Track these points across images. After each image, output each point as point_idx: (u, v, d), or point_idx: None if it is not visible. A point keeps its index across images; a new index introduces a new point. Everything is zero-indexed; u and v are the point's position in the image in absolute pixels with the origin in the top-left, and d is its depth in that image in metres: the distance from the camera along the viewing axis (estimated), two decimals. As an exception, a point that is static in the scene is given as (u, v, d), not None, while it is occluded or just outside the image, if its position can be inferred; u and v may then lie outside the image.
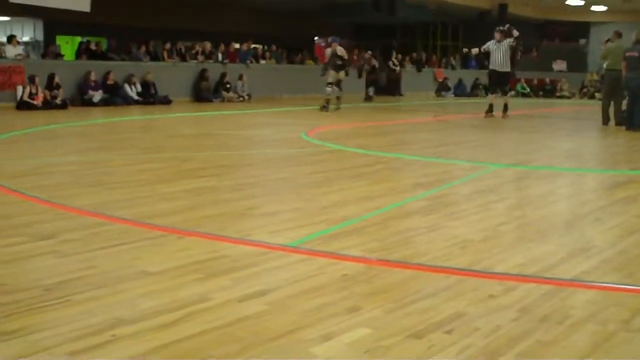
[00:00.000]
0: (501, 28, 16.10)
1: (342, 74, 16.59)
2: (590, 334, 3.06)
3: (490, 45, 15.99)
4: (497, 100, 16.08)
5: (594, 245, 4.65)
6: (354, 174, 7.42)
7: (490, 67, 16.20)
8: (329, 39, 17.16)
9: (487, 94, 27.26)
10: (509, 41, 15.79)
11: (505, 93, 16.51)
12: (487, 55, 16.32)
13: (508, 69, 16.07)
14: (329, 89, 16.52)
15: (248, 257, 4.07)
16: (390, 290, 3.52)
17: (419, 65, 27.44)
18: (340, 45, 17.02)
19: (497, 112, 15.76)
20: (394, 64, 25.85)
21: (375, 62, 23.99)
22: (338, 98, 16.75)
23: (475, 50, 16.76)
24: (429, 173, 7.66)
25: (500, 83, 16.29)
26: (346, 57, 17.02)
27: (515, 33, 15.82)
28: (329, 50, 16.84)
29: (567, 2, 28.30)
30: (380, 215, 5.32)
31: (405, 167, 8.14)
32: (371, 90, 22.90)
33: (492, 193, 6.57)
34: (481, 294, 3.51)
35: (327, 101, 16.54)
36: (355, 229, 4.83)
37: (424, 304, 3.34)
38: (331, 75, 16.46)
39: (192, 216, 5.13)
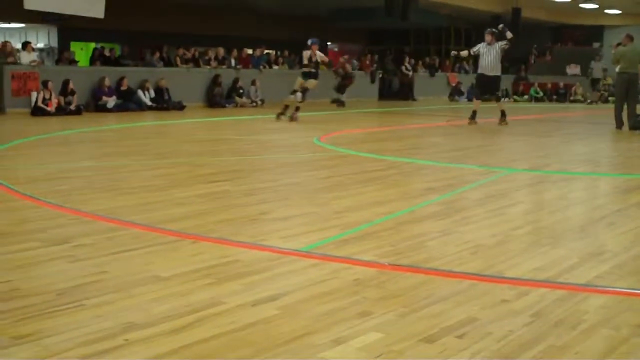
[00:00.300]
0: (492, 29, 15.00)
1: (310, 82, 14.80)
2: (604, 339, 3.05)
3: (480, 47, 14.97)
4: (494, 106, 15.74)
5: (608, 249, 4.63)
6: (366, 178, 7.41)
7: (479, 70, 15.21)
8: (309, 41, 14.85)
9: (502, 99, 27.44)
10: (501, 44, 14.79)
11: (498, 99, 15.71)
12: (476, 58, 15.51)
13: (499, 73, 15.10)
14: (291, 96, 14.78)
15: (260, 262, 4.07)
16: (402, 295, 3.52)
17: (431, 70, 27.41)
18: (347, 50, 16.56)
19: (482, 119, 15.22)
20: (406, 69, 25.85)
21: (349, 67, 22.62)
22: (297, 108, 14.69)
23: (464, 53, 15.73)
24: (442, 178, 7.65)
25: (490, 88, 15.35)
26: (326, 61, 15.87)
27: (509, 35, 14.82)
28: (307, 53, 14.81)
29: (580, 5, 28.18)
30: (392, 220, 5.31)
31: (417, 172, 8.14)
32: (342, 95, 21.35)
33: (504, 197, 6.56)
34: (493, 299, 3.50)
35: (286, 107, 14.87)
36: (367, 233, 4.83)
37: (436, 308, 3.33)
38: (298, 82, 14.81)
39: (205, 221, 5.15)
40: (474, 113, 15.03)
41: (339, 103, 20.89)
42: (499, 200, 6.40)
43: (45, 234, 4.63)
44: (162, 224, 4.97)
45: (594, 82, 27.49)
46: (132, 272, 3.82)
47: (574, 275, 3.99)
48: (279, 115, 14.66)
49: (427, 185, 7.10)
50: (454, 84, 27.34)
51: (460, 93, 26.88)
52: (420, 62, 27.37)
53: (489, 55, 14.71)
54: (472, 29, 30.13)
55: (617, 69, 14.58)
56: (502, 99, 15.58)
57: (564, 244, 4.78)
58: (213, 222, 5.10)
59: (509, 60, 30.46)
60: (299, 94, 14.56)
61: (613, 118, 14.56)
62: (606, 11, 29.96)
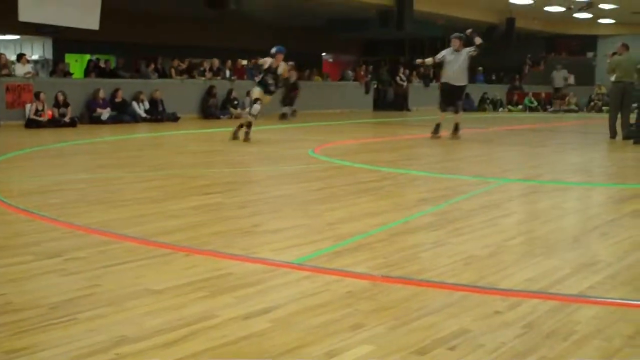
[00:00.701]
0: (460, 34, 13.59)
1: (266, 97, 12.56)
2: (596, 350, 3.06)
3: (446, 54, 13.52)
4: (478, 116, 15.55)
5: (601, 260, 4.64)
6: (359, 190, 7.43)
7: (443, 79, 13.79)
8: (273, 49, 12.42)
9: (497, 108, 27.56)
10: (468, 50, 13.38)
11: (457, 110, 13.82)
12: (440, 65, 13.94)
13: (465, 83, 13.76)
14: (257, 106, 12.37)
15: (253, 275, 4.08)
16: (394, 307, 3.52)
17: (426, 81, 27.48)
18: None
19: (471, 129, 15.07)
20: (401, 79, 25.91)
21: (294, 77, 20.39)
22: (249, 125, 12.44)
23: (429, 60, 13.99)
24: (435, 188, 7.67)
25: (454, 98, 13.67)
26: (286, 76, 13.58)
27: (478, 40, 13.35)
28: (268, 61, 12.38)
29: (574, 15, 28.30)
30: (385, 231, 5.32)
31: (411, 183, 8.15)
32: (288, 109, 19.85)
33: (498, 208, 6.57)
34: (486, 310, 3.51)
35: (249, 124, 12.48)
36: (360, 245, 4.84)
37: (428, 320, 3.34)
38: (256, 91, 12.56)
39: (198, 233, 5.15)
40: (438, 126, 13.72)
41: (283, 116, 19.50)
42: (493, 210, 6.41)
43: (38, 248, 4.63)
44: (155, 237, 4.97)
45: (556, 91, 27.84)
46: (125, 285, 3.82)
47: (566, 286, 4.00)
48: (235, 134, 12.58)
49: (420, 196, 7.12)
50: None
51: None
52: (414, 73, 27.44)
53: (455, 62, 13.37)
54: (467, 39, 30.19)
55: (612, 79, 14.61)
56: (460, 112, 13.92)
57: (556, 255, 4.79)
58: (206, 235, 5.11)
59: (503, 70, 30.65)
60: (256, 106, 12.31)
61: (606, 128, 14.60)
62: (600, 21, 30.09)
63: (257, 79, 12.63)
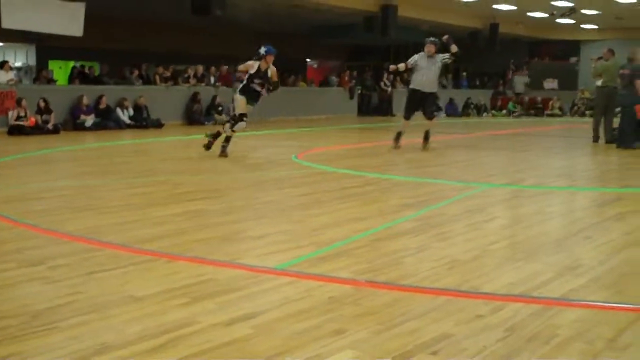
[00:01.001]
0: (435, 39, 12.60)
1: (251, 106, 10.85)
2: (577, 353, 3.08)
3: (419, 59, 12.37)
4: (459, 121, 15.56)
5: (583, 263, 4.67)
6: (343, 195, 7.43)
7: (414, 85, 12.48)
8: (262, 49, 10.71)
9: (481, 114, 27.65)
10: (442, 57, 12.40)
11: (431, 117, 12.74)
12: (409, 71, 12.65)
13: (435, 89, 12.68)
14: (242, 124, 10.73)
15: (235, 281, 4.07)
16: (377, 312, 3.53)
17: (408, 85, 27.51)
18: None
19: (450, 135, 15.07)
20: (385, 85, 25.95)
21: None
22: (227, 139, 10.83)
23: (401, 66, 12.54)
24: (419, 194, 7.68)
25: (425, 106, 12.51)
26: (277, 80, 11.15)
27: (454, 48, 12.43)
28: (254, 64, 10.62)
29: (557, 21, 28.46)
30: (368, 236, 5.32)
31: (394, 188, 8.15)
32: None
33: (481, 213, 6.59)
34: (468, 315, 3.52)
35: (227, 139, 10.85)
36: (343, 251, 4.84)
37: (411, 325, 3.35)
38: (241, 105, 10.73)
39: (181, 240, 5.14)
40: (399, 135, 12.62)
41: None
42: (476, 215, 6.43)
43: (21, 255, 4.61)
44: (138, 244, 4.95)
45: (517, 96, 28.08)
46: (107, 292, 3.81)
47: (548, 290, 4.02)
48: (209, 145, 11.01)
49: (404, 202, 7.12)
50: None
51: (439, 108, 26.97)
52: (398, 78, 27.48)
53: (428, 69, 12.27)
54: (443, 45, 30.29)
55: (598, 83, 14.68)
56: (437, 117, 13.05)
57: (539, 258, 4.81)
58: (189, 241, 5.10)
59: (487, 75, 30.78)
60: (242, 124, 10.67)
61: (589, 132, 14.68)
62: (583, 26, 30.29)
63: (240, 85, 10.91)
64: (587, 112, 25.37)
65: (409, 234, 5.50)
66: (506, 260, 4.76)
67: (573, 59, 32.19)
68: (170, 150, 13.21)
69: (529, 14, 27.04)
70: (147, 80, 19.84)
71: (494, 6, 25.17)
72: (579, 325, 3.41)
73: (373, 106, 25.79)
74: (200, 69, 20.82)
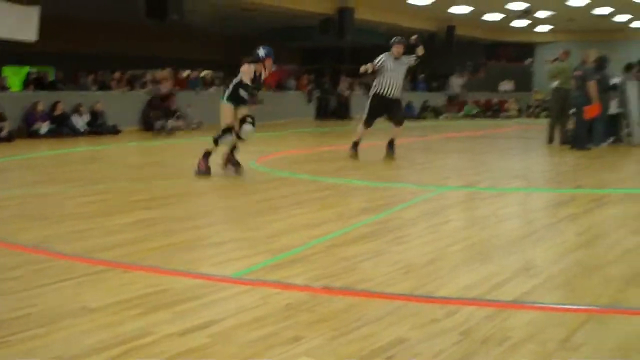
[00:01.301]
0: (403, 39, 11.59)
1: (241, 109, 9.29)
2: (530, 354, 3.12)
3: (386, 61, 11.27)
4: (425, 124, 15.60)
5: (536, 265, 4.74)
6: (300, 200, 7.44)
7: (380, 90, 11.38)
8: (262, 51, 9.41)
9: (438, 116, 27.86)
10: (409, 59, 11.44)
11: (400, 123, 11.68)
12: (374, 73, 11.46)
13: (400, 95, 11.60)
14: (229, 138, 9.28)
15: (191, 290, 4.05)
16: (333, 318, 3.54)
17: (368, 89, 27.62)
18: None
19: (416, 137, 15.15)
20: (343, 88, 26.02)
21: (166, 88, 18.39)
22: (209, 153, 9.36)
23: (369, 67, 11.25)
24: (376, 197, 7.72)
25: (392, 112, 11.50)
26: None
27: (421, 51, 11.50)
28: (251, 68, 9.11)
29: (512, 24, 28.82)
30: (325, 242, 5.33)
31: (352, 192, 8.18)
32: (161, 124, 17.95)
33: (438, 215, 6.65)
34: (423, 319, 3.54)
35: (209, 153, 9.39)
36: (300, 257, 4.84)
37: (366, 330, 3.36)
38: (227, 115, 9.21)
39: (137, 249, 5.10)
40: (357, 144, 11.62)
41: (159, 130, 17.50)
42: (432, 218, 6.49)
43: (-29, 268, 4.54)
44: (93, 253, 4.91)
45: (451, 98, 28.35)
46: (61, 304, 3.77)
47: (502, 292, 4.06)
48: (226, 164, 9.57)
49: (361, 206, 7.15)
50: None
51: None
52: (356, 81, 27.59)
53: (397, 72, 11.29)
54: (410, 46, 30.50)
55: (553, 85, 14.85)
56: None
57: (495, 260, 4.86)
58: (145, 250, 5.06)
59: (444, 77, 31.02)
60: (228, 138, 9.27)
61: (544, 133, 14.87)
62: (538, 28, 30.71)
63: (226, 91, 9.38)
64: (541, 113, 25.66)
65: (365, 239, 5.52)
66: (461, 263, 4.80)
67: (528, 61, 32.62)
68: (126, 156, 13.10)
69: (484, 17, 27.36)
70: (103, 86, 19.65)
71: (450, 10, 25.42)
72: (531, 327, 3.46)
73: (331, 110, 25.84)
74: (158, 74, 20.68)
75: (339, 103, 26.03)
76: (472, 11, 25.85)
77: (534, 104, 28.13)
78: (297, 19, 23.62)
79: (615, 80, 14.58)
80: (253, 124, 9.27)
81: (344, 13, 22.98)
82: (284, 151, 13.26)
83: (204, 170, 9.19)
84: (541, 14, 26.74)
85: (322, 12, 22.95)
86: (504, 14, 26.54)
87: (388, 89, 11.29)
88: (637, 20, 29.60)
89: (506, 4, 24.58)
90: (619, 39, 30.89)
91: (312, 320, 3.51)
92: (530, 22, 29.01)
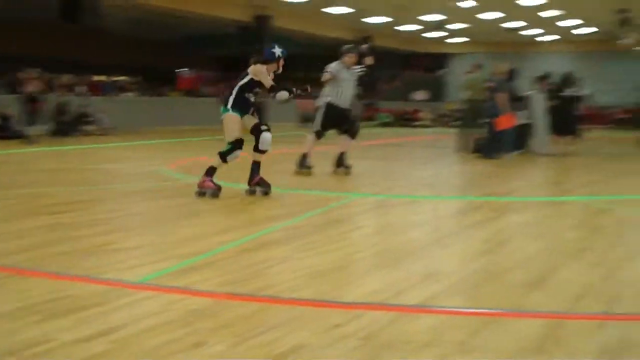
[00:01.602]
0: (356, 48, 11.21)
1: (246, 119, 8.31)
2: (430, 357, 3.17)
3: (340, 70, 10.75)
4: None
5: (441, 270, 4.82)
6: (210, 207, 7.39)
7: (332, 100, 10.74)
8: (278, 50, 8.33)
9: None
10: (357, 69, 10.94)
11: (355, 135, 11.11)
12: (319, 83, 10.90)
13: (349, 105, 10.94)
14: (238, 153, 8.19)
15: (94, 296, 3.98)
16: (236, 324, 3.53)
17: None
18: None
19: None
20: (257, 95, 25.98)
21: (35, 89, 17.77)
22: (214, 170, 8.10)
23: (327, 76, 10.78)
24: (287, 204, 7.74)
25: (346, 124, 10.95)
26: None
27: (370, 61, 11.10)
28: (263, 69, 8.16)
29: (427, 35, 29.37)
30: (233, 248, 5.31)
31: (263, 199, 8.13)
32: (30, 130, 16.98)
33: (347, 222, 6.72)
34: (326, 324, 3.56)
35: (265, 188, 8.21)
36: (206, 263, 4.81)
37: (268, 336, 3.36)
38: (236, 127, 8.15)
39: (39, 254, 4.98)
40: (306, 158, 10.85)
41: (25, 138, 16.65)
42: (342, 225, 6.55)
43: None
44: (-7, 260, 4.78)
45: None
46: (-44, 311, 3.65)
47: (407, 297, 4.12)
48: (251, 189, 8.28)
49: (272, 212, 7.16)
50: (305, 110, 27.58)
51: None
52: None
53: (350, 82, 10.84)
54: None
55: (465, 96, 15.24)
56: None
57: (401, 267, 4.92)
58: (49, 255, 4.95)
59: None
60: (237, 153, 8.14)
61: (456, 142, 15.20)
62: (452, 40, 31.41)
63: (229, 98, 8.13)
64: (453, 123, 26.21)
65: (273, 245, 5.53)
66: (368, 269, 4.86)
67: (442, 71, 33.29)
68: (35, 161, 12.79)
69: (400, 27, 27.80)
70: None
71: (365, 20, 25.74)
72: (433, 331, 3.52)
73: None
74: (70, 78, 20.30)
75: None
76: (388, 22, 26.25)
77: (446, 114, 28.70)
78: (216, 26, 23.56)
79: (524, 91, 15.07)
80: (269, 130, 8.29)
81: (261, 21, 23.02)
82: (197, 157, 13.15)
83: (215, 189, 7.86)
84: (455, 26, 27.36)
85: (239, 19, 22.96)
86: (420, 25, 27.04)
87: (343, 99, 10.75)
88: (547, 34, 30.63)
89: (420, 15, 25.05)
90: (529, 52, 31.90)
91: (215, 326, 3.49)
92: (445, 34, 29.65)
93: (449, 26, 27.44)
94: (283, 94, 8.23)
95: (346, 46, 11.15)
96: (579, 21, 27.23)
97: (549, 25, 27.95)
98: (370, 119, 28.95)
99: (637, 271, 5.06)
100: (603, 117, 24.25)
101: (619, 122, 20.94)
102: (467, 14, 24.95)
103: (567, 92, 15.23)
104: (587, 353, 3.26)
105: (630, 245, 6.01)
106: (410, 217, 7.33)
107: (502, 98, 13.59)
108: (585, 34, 29.76)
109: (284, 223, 6.42)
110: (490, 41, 31.39)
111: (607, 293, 4.34)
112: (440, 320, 3.76)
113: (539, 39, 31.70)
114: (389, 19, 26.41)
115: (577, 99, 15.47)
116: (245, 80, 8.08)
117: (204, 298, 3.98)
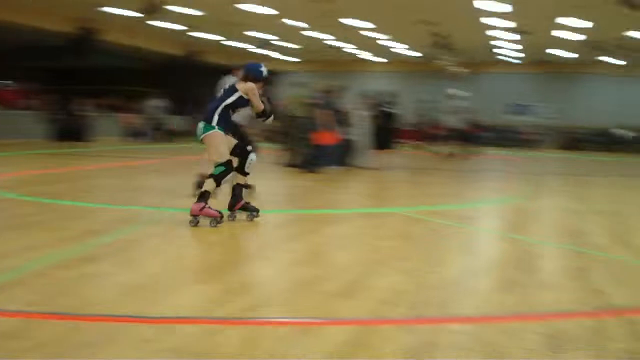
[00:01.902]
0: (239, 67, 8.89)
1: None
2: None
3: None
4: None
5: (258, 282, 4.95)
6: (22, 223, 7.10)
7: (239, 119, 9.26)
8: (264, 69, 7.76)
9: (173, 139, 27.58)
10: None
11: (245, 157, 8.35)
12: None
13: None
14: (255, 157, 7.91)
15: None
16: (48, 344, 3.48)
17: (108, 111, 27.11)
18: None
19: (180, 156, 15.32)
20: (82, 109, 25.26)
21: None
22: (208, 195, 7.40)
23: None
24: (107, 219, 7.58)
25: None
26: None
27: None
28: (253, 88, 7.57)
29: (256, 52, 29.73)
30: (45, 265, 5.18)
31: (82, 215, 7.91)
32: None
33: (164, 237, 6.66)
34: (137, 339, 3.58)
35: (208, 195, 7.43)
36: (15, 281, 4.69)
37: (84, 352, 3.36)
38: (222, 148, 7.43)
39: None
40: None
41: None
42: (160, 240, 6.53)
43: None
44: None
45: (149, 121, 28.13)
46: None
47: (222, 309, 4.19)
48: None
49: (90, 228, 6.96)
50: (129, 125, 27.05)
51: (143, 134, 26.53)
52: (97, 102, 26.95)
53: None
54: (157, 70, 30.28)
55: (287, 112, 15.59)
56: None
57: (218, 279, 4.98)
58: None
59: (187, 101, 31.18)
60: (228, 176, 7.50)
61: (280, 157, 15.49)
62: (283, 57, 32.07)
63: (214, 117, 7.39)
64: (276, 137, 26.50)
65: (87, 261, 5.41)
66: (185, 283, 4.90)
67: (271, 88, 33.70)
68: None
69: (227, 42, 27.99)
70: None
71: (192, 33, 25.72)
72: (245, 342, 3.62)
73: (68, 131, 24.88)
74: None
75: (76, 124, 25.14)
76: (215, 39, 26.41)
77: (272, 129, 28.96)
78: (42, 37, 22.85)
79: (348, 108, 15.68)
80: (255, 151, 7.86)
81: (86, 34, 22.63)
82: (14, 172, 12.66)
83: (218, 218, 7.28)
84: (283, 44, 27.93)
85: (64, 31, 22.38)
86: (248, 42, 27.34)
87: (245, 118, 9.70)
88: (375, 56, 31.84)
89: (245, 31, 25.35)
90: (356, 70, 33.12)
91: (28, 347, 3.43)
92: (275, 52, 30.18)
93: (279, 43, 27.93)
94: (270, 119, 7.87)
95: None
96: (405, 46, 28.50)
97: (376, 48, 29.13)
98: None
99: (445, 276, 5.39)
100: (418, 133, 25.36)
101: (433, 137, 22.08)
102: (293, 33, 25.47)
103: (384, 108, 16.03)
104: (393, 356, 3.47)
105: (440, 253, 6.38)
106: (230, 230, 7.34)
107: (322, 114, 14.03)
108: (410, 56, 31.18)
109: (101, 239, 6.32)
110: (321, 60, 32.33)
111: (416, 298, 4.61)
112: (254, 331, 3.87)
113: (369, 58, 33.00)
114: (217, 36, 26.59)
115: (392, 115, 16.27)
116: (234, 98, 7.48)
117: (14, 318, 3.88)
